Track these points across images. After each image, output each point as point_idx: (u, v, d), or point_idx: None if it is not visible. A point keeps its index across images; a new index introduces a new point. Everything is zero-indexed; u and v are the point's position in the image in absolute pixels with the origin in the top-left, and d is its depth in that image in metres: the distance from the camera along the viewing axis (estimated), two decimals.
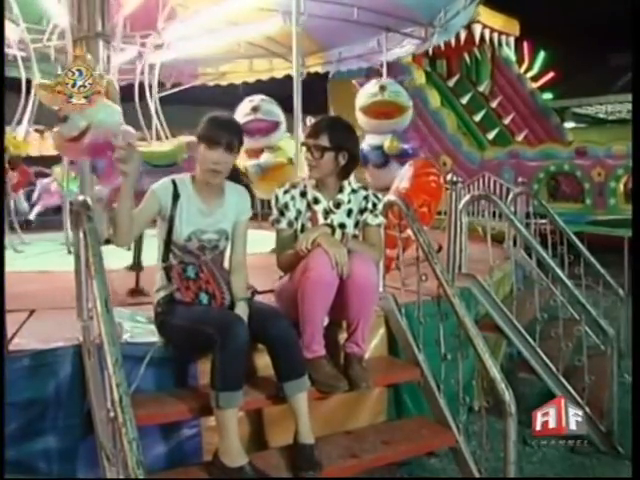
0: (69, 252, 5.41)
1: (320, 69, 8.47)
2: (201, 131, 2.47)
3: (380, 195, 2.89)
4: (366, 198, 2.80)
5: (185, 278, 2.45)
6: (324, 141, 2.66)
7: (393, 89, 6.19)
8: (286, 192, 2.77)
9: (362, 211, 2.79)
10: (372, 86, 6.25)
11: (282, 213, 2.73)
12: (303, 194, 2.76)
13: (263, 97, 5.92)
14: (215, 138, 2.44)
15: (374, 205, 2.80)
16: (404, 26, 6.87)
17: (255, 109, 5.68)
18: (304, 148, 2.74)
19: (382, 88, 6.16)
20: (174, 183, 2.49)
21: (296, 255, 2.59)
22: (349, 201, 2.78)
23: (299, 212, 2.75)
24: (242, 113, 5.67)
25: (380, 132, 6.19)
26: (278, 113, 5.85)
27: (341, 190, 2.78)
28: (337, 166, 2.70)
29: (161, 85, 8.73)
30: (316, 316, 2.53)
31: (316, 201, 2.75)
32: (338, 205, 2.76)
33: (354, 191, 2.80)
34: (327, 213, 2.75)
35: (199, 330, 2.28)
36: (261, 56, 8.32)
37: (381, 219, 2.84)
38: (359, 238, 2.80)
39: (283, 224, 2.73)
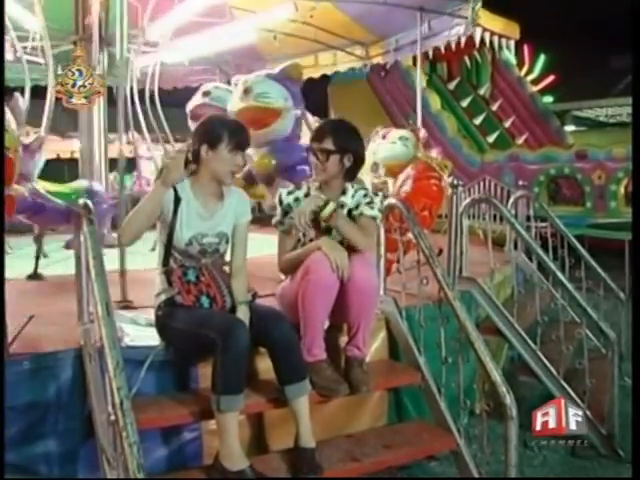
0: (44, 256, 5.42)
1: (381, 59, 8.28)
2: (221, 135, 2.44)
3: (380, 193, 2.89)
4: (365, 195, 2.78)
5: (186, 282, 2.45)
6: (328, 144, 2.66)
7: (260, 89, 4.60)
8: (290, 193, 2.77)
9: (359, 206, 2.76)
10: (240, 87, 4.73)
11: (286, 214, 2.73)
12: (307, 196, 2.76)
13: (218, 84, 5.69)
14: (242, 142, 2.49)
15: (372, 199, 2.77)
16: (444, 6, 6.51)
17: (206, 94, 5.42)
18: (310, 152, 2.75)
19: (247, 91, 4.61)
20: (174, 187, 2.46)
21: (298, 257, 2.60)
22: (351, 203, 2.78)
23: None
24: (195, 99, 5.46)
25: (256, 145, 4.36)
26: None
27: (344, 192, 2.78)
28: (342, 168, 2.70)
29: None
30: (317, 319, 2.53)
31: None
32: (341, 207, 2.75)
33: (356, 192, 2.80)
34: None
35: (200, 333, 2.28)
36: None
37: (376, 212, 2.77)
38: None
39: (286, 226, 2.73)
